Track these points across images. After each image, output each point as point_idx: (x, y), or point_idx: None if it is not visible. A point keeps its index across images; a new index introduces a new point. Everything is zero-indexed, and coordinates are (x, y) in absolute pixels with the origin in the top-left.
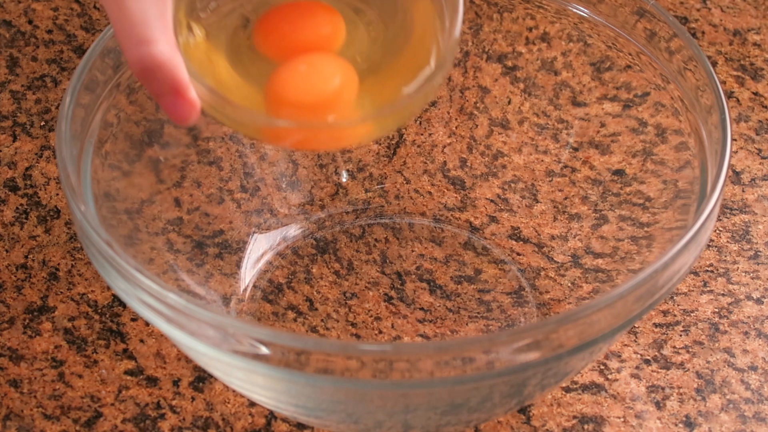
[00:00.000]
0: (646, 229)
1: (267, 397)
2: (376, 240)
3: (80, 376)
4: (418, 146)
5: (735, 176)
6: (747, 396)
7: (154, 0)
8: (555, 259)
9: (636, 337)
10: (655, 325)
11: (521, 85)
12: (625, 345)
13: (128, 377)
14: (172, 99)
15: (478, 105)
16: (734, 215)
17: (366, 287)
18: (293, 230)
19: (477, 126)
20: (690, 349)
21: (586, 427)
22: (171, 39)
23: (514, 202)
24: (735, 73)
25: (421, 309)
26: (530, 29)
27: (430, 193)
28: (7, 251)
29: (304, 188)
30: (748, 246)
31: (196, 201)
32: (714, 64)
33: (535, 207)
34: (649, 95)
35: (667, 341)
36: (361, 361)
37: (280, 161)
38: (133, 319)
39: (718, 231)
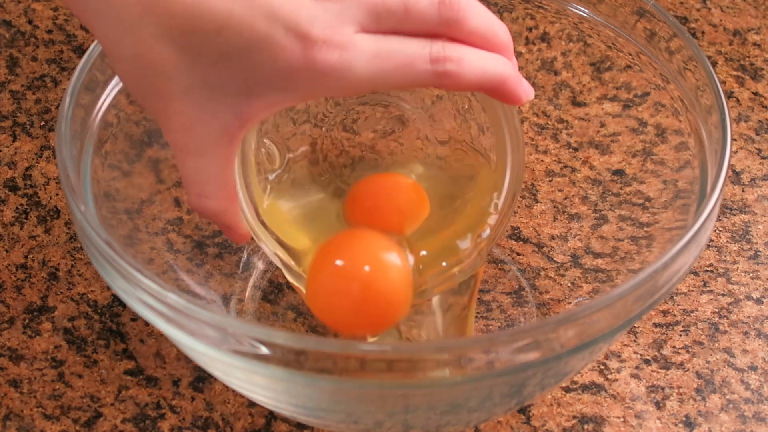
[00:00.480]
0: (646, 229)
1: (267, 397)
2: None
3: (80, 376)
4: None
5: (735, 176)
6: (747, 396)
7: (217, 158)
8: (555, 259)
9: (636, 337)
10: (655, 325)
11: None
12: (625, 345)
13: (128, 377)
14: (224, 231)
15: None
16: (734, 215)
17: None
18: None
19: None
20: (690, 349)
21: (585, 427)
22: (227, 193)
23: None
24: (735, 73)
25: None
26: (530, 29)
27: None
28: (7, 251)
29: None
30: (748, 246)
31: None
32: (714, 64)
33: (535, 207)
34: (649, 95)
35: (667, 341)
36: (361, 361)
37: None
38: (133, 319)
39: (718, 231)
